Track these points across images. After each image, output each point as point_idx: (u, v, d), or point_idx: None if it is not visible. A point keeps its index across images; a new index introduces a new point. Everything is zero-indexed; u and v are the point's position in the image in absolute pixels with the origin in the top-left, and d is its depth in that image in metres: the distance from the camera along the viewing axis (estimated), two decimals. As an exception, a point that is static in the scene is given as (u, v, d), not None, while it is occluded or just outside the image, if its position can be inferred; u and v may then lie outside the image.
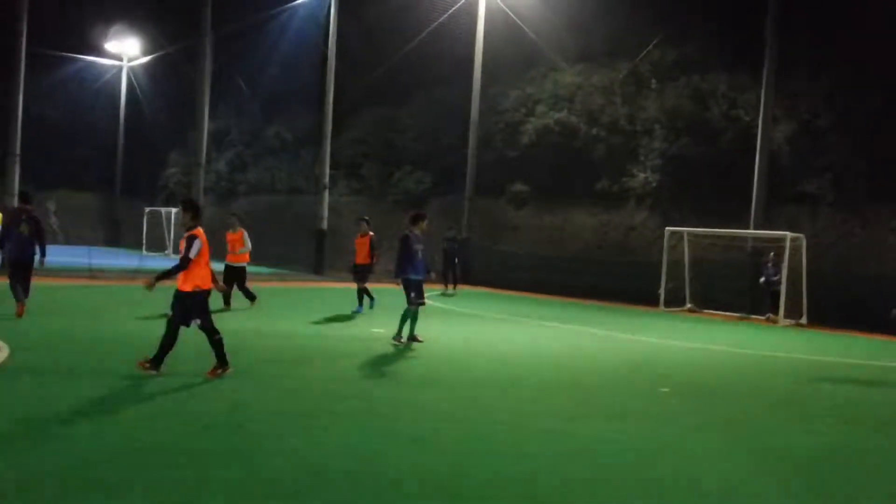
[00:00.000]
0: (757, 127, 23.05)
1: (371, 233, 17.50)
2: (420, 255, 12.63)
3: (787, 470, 6.60)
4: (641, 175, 26.56)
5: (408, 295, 12.56)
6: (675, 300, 22.58)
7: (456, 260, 24.61)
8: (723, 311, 21.48)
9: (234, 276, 16.10)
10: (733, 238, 22.41)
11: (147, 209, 40.83)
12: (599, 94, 28.66)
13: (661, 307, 22.37)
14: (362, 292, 17.25)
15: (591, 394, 9.60)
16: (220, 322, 14.10)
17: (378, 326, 14.75)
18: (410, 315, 12.63)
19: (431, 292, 22.25)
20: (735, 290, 21.51)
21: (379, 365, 10.73)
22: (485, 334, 14.94)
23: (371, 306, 17.37)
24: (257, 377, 9.36)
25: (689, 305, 22.51)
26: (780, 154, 23.47)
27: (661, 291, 22.57)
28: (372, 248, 17.26)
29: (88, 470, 5.54)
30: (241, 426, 6.99)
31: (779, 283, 20.23)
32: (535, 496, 5.51)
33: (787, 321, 19.77)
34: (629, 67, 27.98)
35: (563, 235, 28.90)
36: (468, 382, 9.74)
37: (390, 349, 12.10)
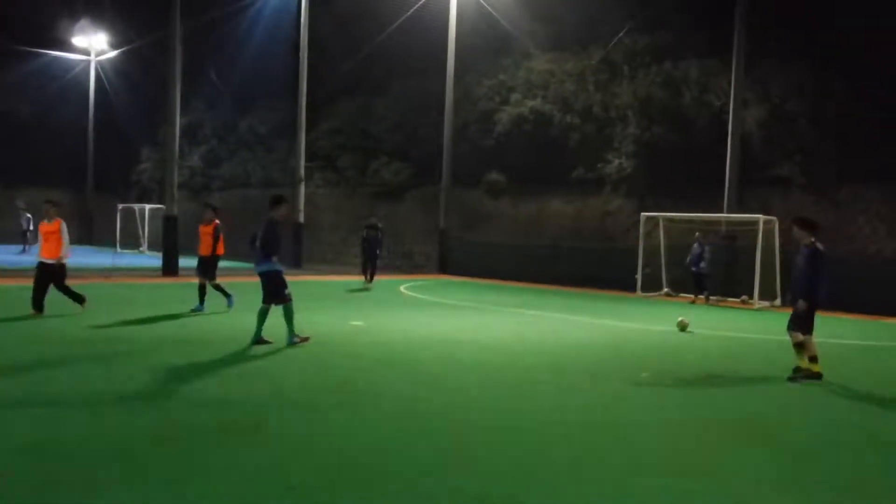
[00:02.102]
0: (728, 112, 23.27)
1: (217, 220, 15.31)
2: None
3: (754, 440, 6.74)
4: (616, 161, 26.73)
5: (280, 289, 11.15)
6: (652, 285, 22.79)
7: (378, 251, 22.75)
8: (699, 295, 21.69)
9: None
10: (708, 222, 22.63)
11: (120, 206, 40.48)
12: (572, 81, 28.77)
13: (639, 292, 22.58)
14: (203, 288, 15.21)
15: (575, 379, 9.70)
16: (199, 321, 14.12)
17: (356, 319, 14.77)
18: (286, 312, 11.18)
19: (352, 284, 22.41)
20: (711, 273, 21.72)
21: (360, 356, 10.73)
22: (466, 324, 14.99)
23: (229, 304, 15.36)
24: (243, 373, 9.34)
25: (665, 290, 22.74)
26: (751, 138, 23.74)
27: (638, 277, 22.79)
28: (215, 237, 15.05)
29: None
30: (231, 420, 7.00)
31: (704, 266, 20.68)
32: (532, 471, 5.58)
33: (762, 303, 20.03)
34: (601, 55, 28.12)
35: (539, 223, 29.05)
36: (452, 371, 9.78)
37: (371, 341, 12.09)
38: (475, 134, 31.02)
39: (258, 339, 11.08)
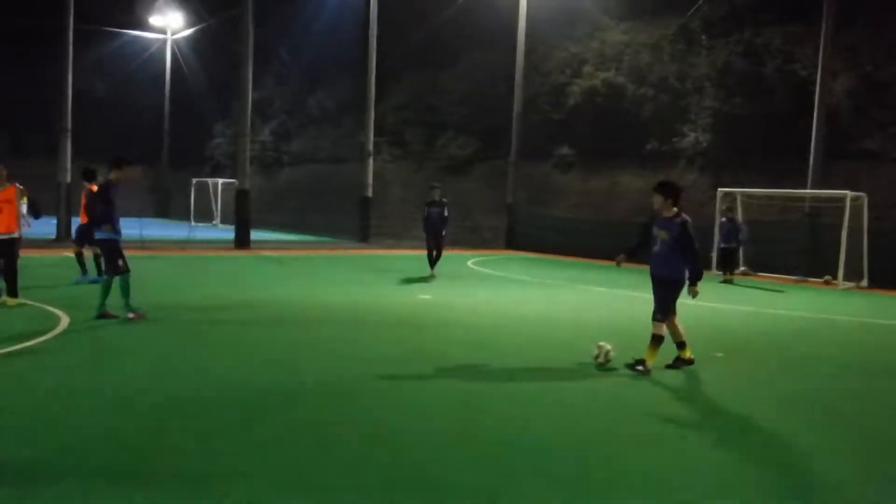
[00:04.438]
0: (814, 82, 22.20)
1: (95, 187, 13.09)
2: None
3: (839, 425, 6.34)
4: (692, 135, 25.91)
5: (114, 260, 10.14)
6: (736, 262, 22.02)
7: (443, 231, 17.78)
8: (779, 273, 20.89)
9: None
10: (789, 198, 21.72)
11: (194, 180, 41.20)
12: (647, 52, 27.97)
13: (714, 270, 21.84)
14: (80, 256, 14.02)
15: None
16: (265, 290, 14.20)
17: (425, 293, 14.64)
18: (121, 284, 10.19)
19: (420, 260, 21.92)
20: (792, 252, 20.88)
21: (427, 329, 10.57)
22: (534, 299, 14.70)
23: (78, 280, 13.78)
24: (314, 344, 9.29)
25: (742, 268, 21.95)
26: (838, 109, 22.63)
27: (714, 255, 22.03)
28: (90, 203, 12.69)
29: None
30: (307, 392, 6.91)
31: (737, 243, 19.87)
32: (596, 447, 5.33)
33: (848, 284, 19.15)
34: (679, 24, 27.20)
35: (610, 199, 28.42)
36: (519, 347, 9.54)
37: (435, 314, 11.92)
38: (545, 107, 30.48)
39: (102, 313, 10.16)
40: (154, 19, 46.72)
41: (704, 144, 25.53)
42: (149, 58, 48.48)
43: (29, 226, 12.37)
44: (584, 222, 27.41)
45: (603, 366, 8.34)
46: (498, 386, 7.61)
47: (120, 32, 45.90)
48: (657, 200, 8.40)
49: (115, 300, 10.32)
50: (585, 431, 6.19)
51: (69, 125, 25.35)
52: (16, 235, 10.87)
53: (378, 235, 30.00)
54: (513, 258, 25.09)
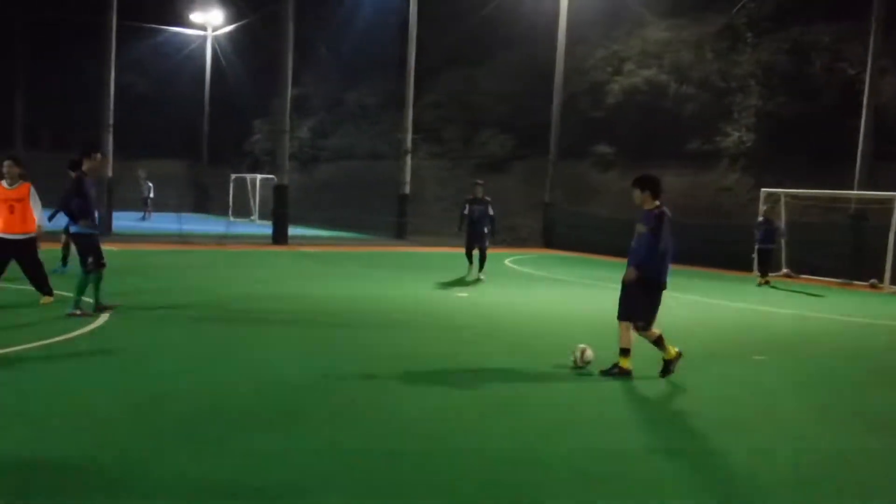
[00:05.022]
0: (862, 81, 21.67)
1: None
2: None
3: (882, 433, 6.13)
4: (735, 134, 25.48)
5: (85, 256, 9.74)
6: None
7: (486, 230, 16.50)
8: (822, 276, 20.45)
9: None
10: (834, 199, 21.25)
11: (233, 176, 41.50)
12: (690, 49, 27.57)
13: (755, 272, 21.45)
14: (67, 248, 13.56)
15: (685, 360, 9.18)
16: (303, 286, 14.21)
17: (462, 291, 14.55)
18: (93, 280, 9.91)
19: (458, 259, 21.76)
20: (836, 254, 20.44)
21: (465, 328, 10.47)
22: (571, 299, 14.53)
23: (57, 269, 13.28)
24: (348, 343, 9.24)
25: (785, 270, 21.53)
26: (887, 109, 22.08)
27: (755, 255, 21.64)
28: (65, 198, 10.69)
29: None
30: (334, 390, 6.86)
31: (774, 245, 19.36)
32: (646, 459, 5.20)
33: (894, 287, 18.69)
34: (723, 21, 26.77)
35: (649, 199, 28.03)
36: (557, 348, 9.40)
37: (473, 312, 11.81)
38: (584, 105, 30.21)
39: (77, 310, 9.75)
40: (195, 16, 47.12)
41: (748, 144, 25.09)
42: (189, 54, 48.91)
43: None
44: (622, 222, 27.01)
45: (580, 368, 8.02)
46: (537, 387, 7.48)
47: (161, 29, 46.36)
48: (636, 195, 7.88)
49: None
50: (627, 436, 6.05)
51: (111, 121, 25.63)
52: (33, 235, 10.31)
53: (414, 233, 29.95)
54: (551, 257, 24.90)
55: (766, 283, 19.02)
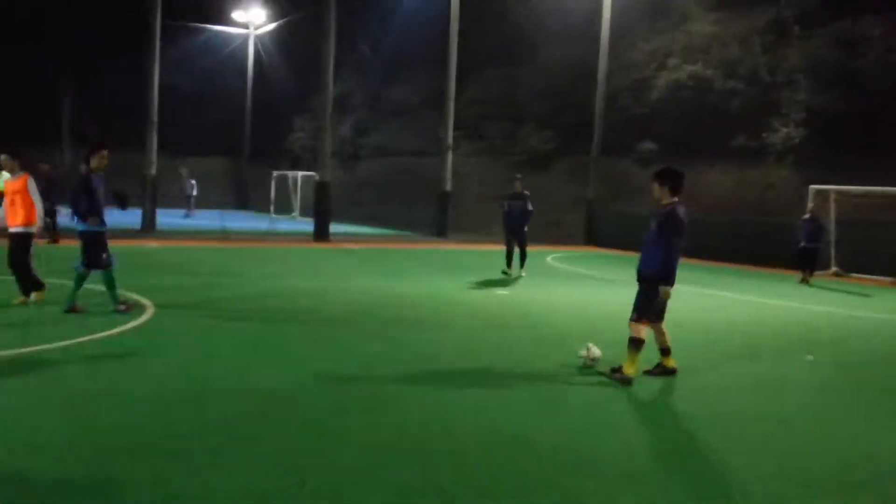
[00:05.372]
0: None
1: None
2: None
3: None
4: (783, 130, 24.95)
5: (98, 253, 9.54)
6: (819, 263, 21.11)
7: (525, 227, 16.26)
8: (874, 275, 19.92)
9: None
10: (886, 197, 20.67)
11: (274, 173, 41.80)
12: (737, 43, 27.06)
13: (804, 270, 20.95)
14: None
15: (732, 357, 8.96)
16: (351, 285, 14.18)
17: (503, 289, 14.41)
18: (79, 277, 9.59)
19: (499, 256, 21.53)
20: (888, 253, 19.89)
21: (506, 327, 10.33)
22: (615, 297, 14.29)
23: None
24: (388, 338, 9.16)
25: (834, 269, 21.02)
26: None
27: (800, 253, 21.13)
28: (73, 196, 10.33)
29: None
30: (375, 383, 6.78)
31: (819, 244, 18.85)
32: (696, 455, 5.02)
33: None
34: (770, 14, 26.22)
35: (693, 195, 27.54)
36: (602, 347, 9.22)
37: (515, 311, 11.67)
38: (628, 101, 29.84)
39: (71, 307, 9.53)
40: (237, 15, 47.61)
41: (796, 140, 24.56)
42: (232, 53, 49.40)
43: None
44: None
45: (589, 367, 7.83)
46: (578, 388, 7.31)
47: (204, 28, 46.91)
48: (654, 189, 7.49)
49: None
50: (677, 436, 5.87)
51: (155, 118, 25.91)
52: (32, 230, 9.88)
53: (456, 230, 29.85)
54: (593, 255, 24.62)
55: (806, 282, 18.58)
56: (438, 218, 29.67)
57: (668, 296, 7.41)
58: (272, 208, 40.70)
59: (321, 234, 25.16)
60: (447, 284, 14.76)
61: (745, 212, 25.12)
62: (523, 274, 16.29)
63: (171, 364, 7.39)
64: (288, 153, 46.74)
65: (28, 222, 9.78)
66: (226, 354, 7.97)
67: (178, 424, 5.57)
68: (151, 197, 25.10)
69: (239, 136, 49.77)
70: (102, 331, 8.55)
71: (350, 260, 19.30)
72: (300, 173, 39.74)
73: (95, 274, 9.75)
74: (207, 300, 11.44)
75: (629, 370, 7.37)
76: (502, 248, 17.16)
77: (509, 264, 16.56)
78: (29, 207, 9.76)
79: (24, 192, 9.76)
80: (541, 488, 4.71)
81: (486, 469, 4.97)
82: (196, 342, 8.50)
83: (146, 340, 8.35)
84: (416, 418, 6.00)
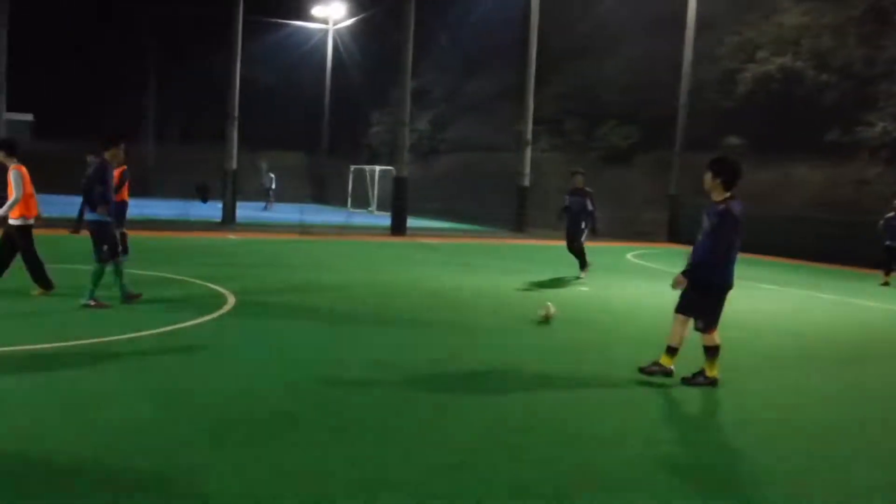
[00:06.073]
0: None
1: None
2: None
3: None
4: (879, 124, 23.77)
5: (101, 244, 9.28)
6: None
7: (584, 225, 15.07)
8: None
9: None
10: None
11: (352, 167, 42.08)
12: (830, 34, 25.91)
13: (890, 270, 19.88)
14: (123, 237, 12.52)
15: (823, 363, 8.49)
16: (430, 279, 14.03)
17: (582, 285, 14.06)
18: (113, 270, 9.46)
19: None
20: None
21: (583, 322, 10.01)
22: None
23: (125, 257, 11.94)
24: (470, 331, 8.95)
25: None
26: None
27: (886, 251, 20.03)
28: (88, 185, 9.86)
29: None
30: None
31: None
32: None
33: None
34: (867, 3, 25.02)
35: (781, 192, 26.57)
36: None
37: (595, 307, 11.31)
38: (713, 95, 28.93)
39: (127, 295, 9.52)
40: (316, 10, 48.11)
41: (893, 134, 23.37)
42: (311, 48, 49.98)
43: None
44: (751, 217, 25.71)
45: (545, 322, 9.47)
46: (661, 389, 6.96)
47: (284, 23, 47.56)
48: (707, 179, 6.91)
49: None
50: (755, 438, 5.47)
51: (236, 113, 26.27)
52: (30, 222, 9.67)
53: (533, 226, 29.44)
54: (674, 251, 23.93)
55: (887, 283, 17.58)
56: (516, 213, 29.30)
57: (680, 283, 6.94)
58: (349, 202, 40.99)
59: (398, 228, 25.12)
60: (526, 280, 14.50)
61: (837, 210, 24.03)
62: (582, 276, 14.98)
63: (253, 355, 7.42)
64: (366, 147, 47.01)
65: (24, 214, 9.55)
66: (307, 346, 7.95)
67: (256, 413, 5.54)
68: (231, 190, 25.47)
69: (317, 130, 50.33)
70: (184, 322, 8.59)
71: (428, 254, 19.16)
72: (377, 168, 39.90)
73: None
74: (288, 291, 11.46)
75: (713, 373, 7.03)
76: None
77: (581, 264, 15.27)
78: (26, 200, 9.51)
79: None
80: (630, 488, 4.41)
81: (563, 467, 4.69)
82: (277, 333, 8.52)
83: (227, 332, 8.39)
84: (516, 415, 5.76)
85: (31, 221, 9.68)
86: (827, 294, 15.05)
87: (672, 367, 7.12)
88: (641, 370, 7.18)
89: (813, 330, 10.73)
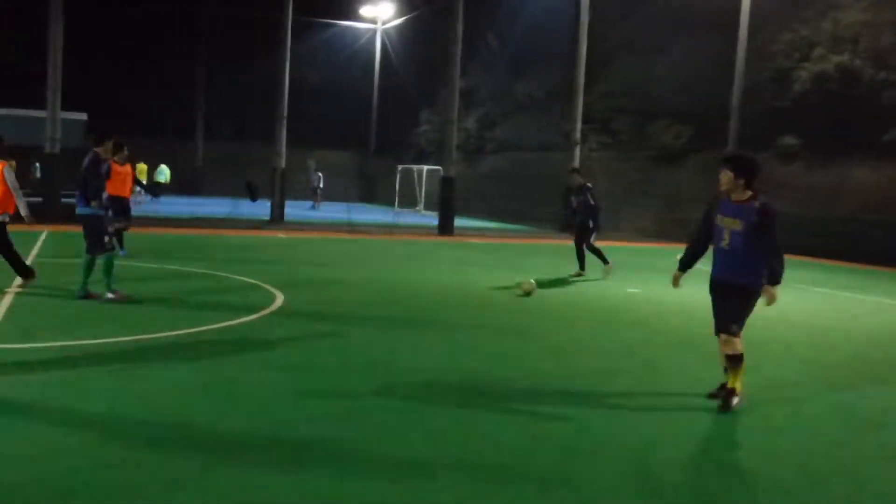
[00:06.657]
0: None
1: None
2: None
3: None
4: (941, 124, 23.01)
5: (100, 237, 9.46)
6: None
7: (590, 223, 14.74)
8: None
9: None
10: None
11: (399, 167, 42.19)
12: (891, 31, 25.15)
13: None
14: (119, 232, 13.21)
15: (874, 368, 8.34)
16: (478, 279, 13.93)
17: (632, 287, 13.83)
18: (106, 261, 9.52)
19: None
20: None
21: (637, 324, 9.83)
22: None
23: (124, 253, 13.32)
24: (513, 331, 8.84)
25: None
26: None
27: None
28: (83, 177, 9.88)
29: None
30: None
31: None
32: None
33: None
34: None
35: (838, 193, 25.89)
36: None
37: (645, 309, 11.11)
38: (767, 94, 28.30)
39: (84, 294, 9.49)
40: (365, 10, 48.39)
41: (956, 135, 22.61)
42: (359, 47, 50.28)
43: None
44: (805, 218, 25.14)
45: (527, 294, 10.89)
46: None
47: (333, 24, 47.92)
48: (725, 178, 6.36)
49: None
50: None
51: (285, 112, 26.49)
52: (5, 218, 9.83)
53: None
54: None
55: None
56: (564, 213, 29.06)
57: (773, 298, 6.55)
58: (396, 201, 41.12)
59: (445, 228, 25.08)
60: (576, 280, 14.35)
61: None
62: (584, 273, 14.91)
63: (299, 354, 7.41)
64: (413, 147, 47.08)
65: (3, 210, 9.74)
66: (356, 345, 7.94)
67: (298, 414, 5.48)
68: (280, 189, 25.68)
69: (365, 129, 50.60)
70: (230, 319, 8.61)
71: (476, 254, 19.08)
72: (425, 167, 39.93)
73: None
74: (336, 290, 11.47)
75: (738, 385, 6.55)
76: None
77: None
78: (5, 196, 9.72)
79: (2, 181, 9.70)
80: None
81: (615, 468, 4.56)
82: (326, 331, 8.50)
83: (276, 329, 8.40)
84: (543, 413, 5.65)
85: (6, 218, 9.81)
86: (885, 298, 14.60)
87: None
88: (712, 397, 6.69)
89: (869, 334, 10.39)
